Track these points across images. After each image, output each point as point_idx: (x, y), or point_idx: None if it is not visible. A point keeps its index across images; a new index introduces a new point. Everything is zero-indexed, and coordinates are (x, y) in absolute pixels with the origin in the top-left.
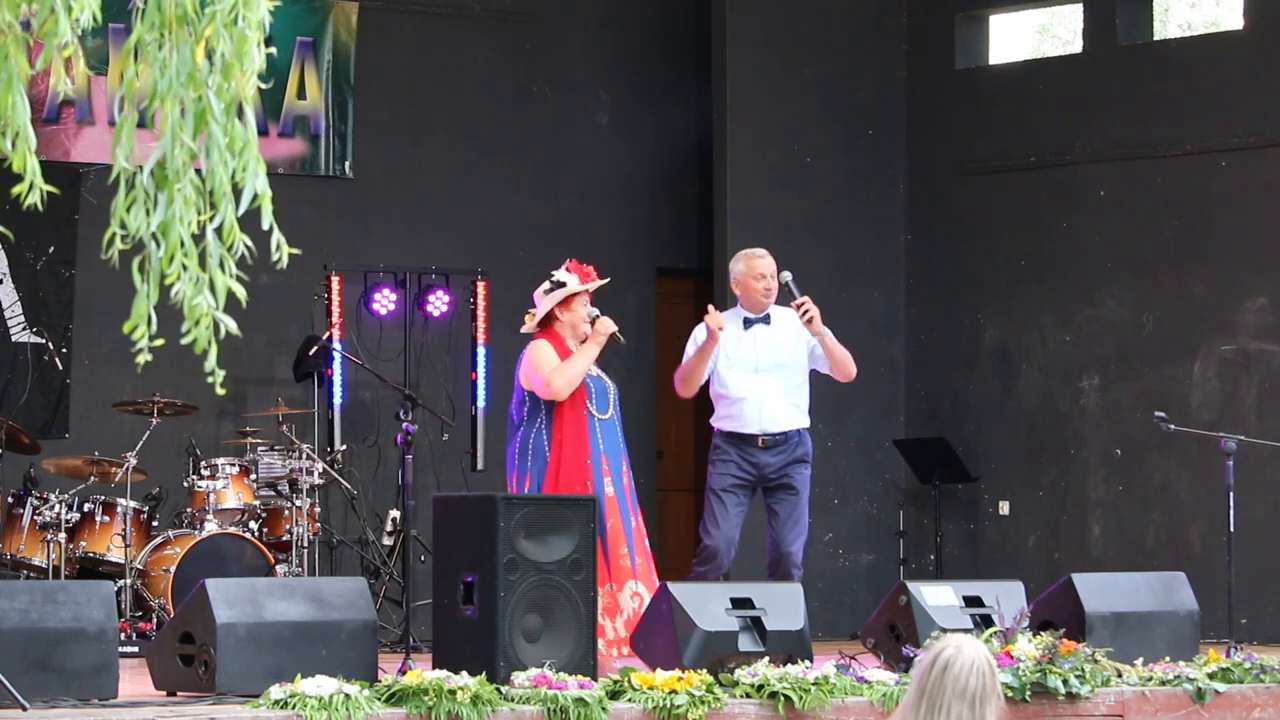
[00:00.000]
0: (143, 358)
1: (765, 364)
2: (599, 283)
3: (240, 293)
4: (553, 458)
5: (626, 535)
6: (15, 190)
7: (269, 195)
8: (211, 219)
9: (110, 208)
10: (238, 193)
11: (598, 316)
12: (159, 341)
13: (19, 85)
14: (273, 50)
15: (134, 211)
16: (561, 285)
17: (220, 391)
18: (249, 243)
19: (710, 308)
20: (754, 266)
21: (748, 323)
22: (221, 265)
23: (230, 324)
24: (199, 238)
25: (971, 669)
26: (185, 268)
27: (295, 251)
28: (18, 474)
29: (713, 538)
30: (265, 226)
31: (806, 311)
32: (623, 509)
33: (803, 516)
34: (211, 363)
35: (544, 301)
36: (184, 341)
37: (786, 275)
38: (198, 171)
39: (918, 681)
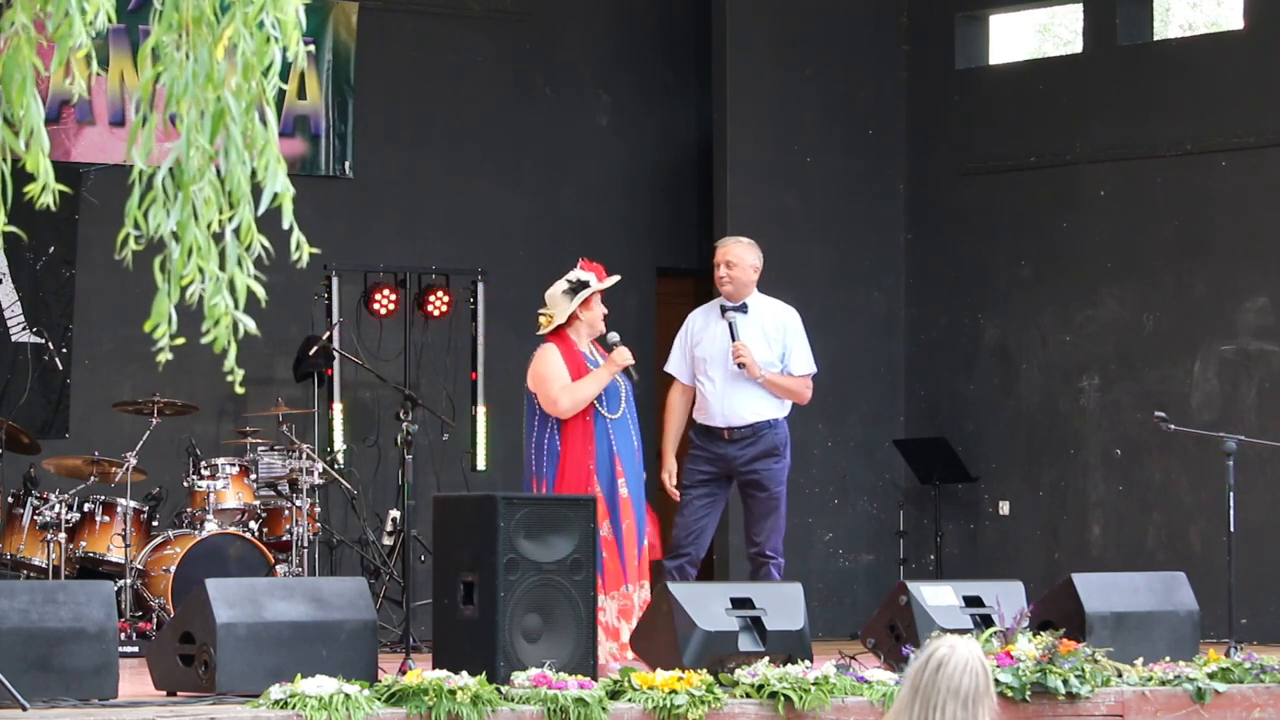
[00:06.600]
0: (163, 356)
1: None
2: (614, 279)
3: (260, 292)
4: (561, 460)
5: (639, 536)
6: (28, 190)
7: (290, 194)
8: (230, 219)
9: (125, 208)
10: (258, 192)
11: (618, 344)
12: (179, 340)
13: (32, 87)
14: (307, 48)
15: (153, 212)
16: (584, 285)
17: (239, 390)
18: (266, 243)
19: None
20: (717, 255)
21: (723, 310)
22: (240, 264)
23: (249, 323)
24: (219, 238)
25: (965, 668)
26: (201, 269)
27: (315, 251)
28: (18, 474)
29: (675, 529)
30: (285, 226)
31: (740, 359)
32: (637, 509)
33: (772, 512)
34: (231, 362)
35: (567, 303)
36: (204, 341)
37: (732, 315)
38: (218, 171)
39: (911, 681)
